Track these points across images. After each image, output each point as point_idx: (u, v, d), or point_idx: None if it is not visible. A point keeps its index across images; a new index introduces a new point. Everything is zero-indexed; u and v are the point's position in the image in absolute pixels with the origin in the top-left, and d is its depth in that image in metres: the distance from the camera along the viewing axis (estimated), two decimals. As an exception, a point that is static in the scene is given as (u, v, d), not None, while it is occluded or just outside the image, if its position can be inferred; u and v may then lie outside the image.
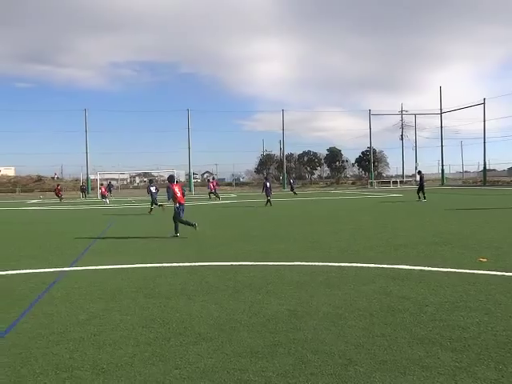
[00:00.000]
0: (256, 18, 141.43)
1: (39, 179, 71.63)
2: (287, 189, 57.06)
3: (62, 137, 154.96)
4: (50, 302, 5.94)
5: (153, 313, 5.37)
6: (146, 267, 8.19)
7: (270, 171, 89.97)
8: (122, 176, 76.77)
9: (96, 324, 5.00)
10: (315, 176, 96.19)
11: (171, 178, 13.59)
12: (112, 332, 4.73)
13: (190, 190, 49.17)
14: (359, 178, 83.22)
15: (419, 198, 26.36)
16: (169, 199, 12.94)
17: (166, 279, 7.14)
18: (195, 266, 8.19)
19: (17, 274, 7.87)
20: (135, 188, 77.16)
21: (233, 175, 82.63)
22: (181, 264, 8.33)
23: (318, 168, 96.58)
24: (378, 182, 65.03)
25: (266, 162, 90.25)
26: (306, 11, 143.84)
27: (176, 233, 12.51)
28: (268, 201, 25.44)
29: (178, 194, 12.76)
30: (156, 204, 21.56)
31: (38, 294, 6.35)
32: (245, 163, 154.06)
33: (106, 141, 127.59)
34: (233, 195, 43.98)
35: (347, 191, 48.89)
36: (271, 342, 4.33)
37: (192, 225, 12.58)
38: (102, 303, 5.83)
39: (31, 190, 63.60)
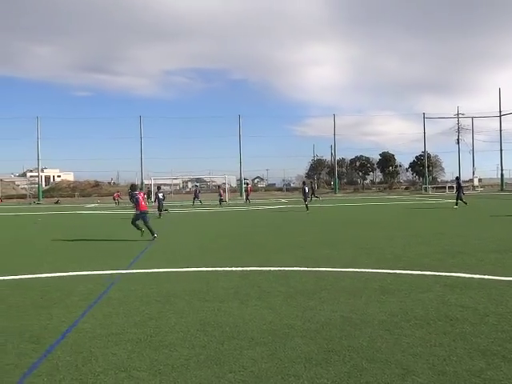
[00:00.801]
0: (307, 23, 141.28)
1: (96, 184, 74.29)
2: (339, 193, 56.58)
3: (118, 143, 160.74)
4: (108, 304, 6.12)
5: (207, 316, 5.44)
6: (200, 271, 8.31)
7: (321, 176, 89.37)
8: (174, 181, 78.23)
9: (152, 326, 5.12)
10: (367, 181, 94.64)
11: (134, 187, 14.87)
12: (168, 334, 4.82)
13: (241, 196, 49.48)
14: (413, 183, 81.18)
15: (462, 203, 25.66)
16: (134, 203, 13.96)
17: (218, 283, 7.22)
18: (247, 270, 8.23)
19: (77, 275, 8.17)
20: (188, 193, 78.46)
21: (283, 180, 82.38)
22: (233, 268, 8.39)
23: (371, 173, 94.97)
24: (433, 188, 63.15)
25: (316, 167, 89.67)
26: (358, 15, 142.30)
27: (153, 235, 13.27)
28: (306, 205, 25.94)
29: (143, 203, 13.75)
30: (161, 210, 23.07)
31: (97, 296, 6.56)
32: (295, 168, 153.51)
33: (159, 146, 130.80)
34: (283, 200, 43.92)
35: (400, 196, 47.81)
36: (325, 348, 4.29)
37: (152, 234, 13.30)
38: (158, 305, 5.96)
39: (89, 195, 65.98)
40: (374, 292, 6.39)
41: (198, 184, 46.88)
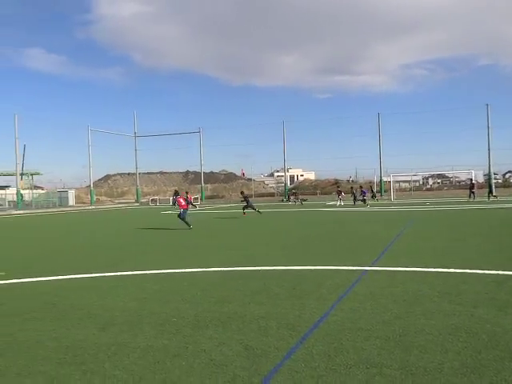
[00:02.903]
0: None
1: (336, 182, 76.97)
2: None
3: (357, 141, 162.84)
4: (355, 299, 6.27)
5: (459, 321, 5.12)
6: (449, 272, 7.87)
7: None
8: (414, 178, 75.59)
9: (400, 325, 5.05)
10: None
11: (176, 193, 21.14)
12: (417, 335, 4.70)
13: (491, 192, 44.89)
14: None
15: None
16: (173, 205, 20.20)
17: (470, 286, 6.73)
18: (504, 274, 7.48)
19: (325, 269, 8.58)
20: (428, 190, 75.06)
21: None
22: (485, 272, 7.72)
23: None
24: None
25: None
26: None
27: (189, 226, 18.13)
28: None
29: (183, 203, 18.75)
30: (254, 209, 25.56)
31: (344, 290, 6.78)
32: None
33: (397, 143, 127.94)
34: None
35: None
36: None
37: (188, 226, 18.23)
38: (405, 305, 5.86)
39: (329, 193, 68.66)
40: None
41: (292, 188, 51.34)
